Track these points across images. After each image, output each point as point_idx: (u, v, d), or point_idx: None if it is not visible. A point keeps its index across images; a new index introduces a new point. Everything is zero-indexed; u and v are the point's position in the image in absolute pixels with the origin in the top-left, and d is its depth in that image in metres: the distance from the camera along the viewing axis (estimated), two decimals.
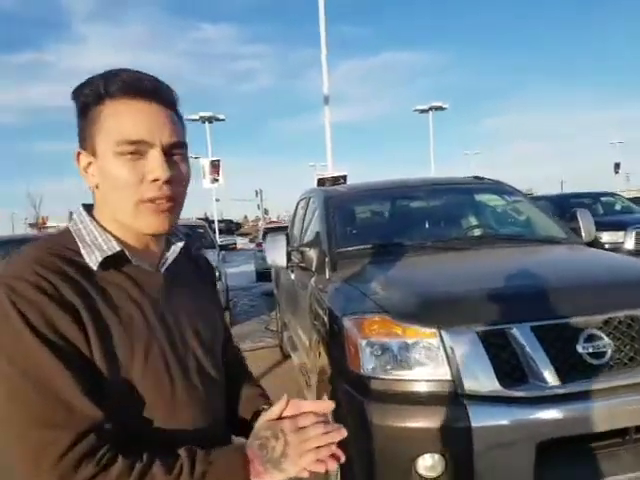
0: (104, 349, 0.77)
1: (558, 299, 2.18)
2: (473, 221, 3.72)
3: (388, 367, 2.10)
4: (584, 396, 1.98)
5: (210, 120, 24.08)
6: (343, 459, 0.87)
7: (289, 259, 3.28)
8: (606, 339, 2.07)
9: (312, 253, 3.23)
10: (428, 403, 2.02)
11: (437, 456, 1.98)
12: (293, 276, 4.02)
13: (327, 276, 2.89)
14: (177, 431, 0.84)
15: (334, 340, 2.48)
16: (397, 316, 2.14)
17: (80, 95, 0.84)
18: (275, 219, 44.66)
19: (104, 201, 0.85)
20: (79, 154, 0.85)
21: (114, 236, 0.85)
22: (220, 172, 21.19)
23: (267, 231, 13.57)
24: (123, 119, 0.80)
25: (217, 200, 26.06)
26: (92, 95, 0.82)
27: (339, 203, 3.47)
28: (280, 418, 0.88)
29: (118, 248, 0.83)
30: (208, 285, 1.06)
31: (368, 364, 2.12)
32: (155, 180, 0.81)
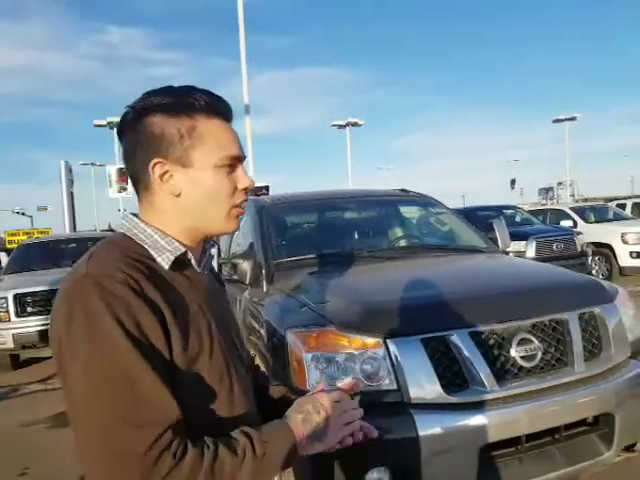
0: (182, 344, 0.83)
1: (491, 305, 2.28)
2: (404, 231, 3.83)
3: (334, 380, 2.07)
4: (519, 398, 2.08)
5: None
6: (376, 434, 1.04)
7: (220, 272, 3.16)
8: (536, 342, 2.19)
9: (246, 265, 3.12)
10: (375, 415, 2.00)
11: (383, 469, 1.97)
12: None
13: (264, 289, 2.82)
14: (235, 418, 0.90)
15: (274, 355, 2.41)
16: (342, 327, 2.12)
17: (151, 107, 0.88)
18: None
19: (185, 208, 0.91)
20: (157, 163, 0.88)
21: (177, 240, 0.91)
22: (128, 181, 20.15)
23: None
24: (224, 137, 0.91)
25: (124, 210, 24.82)
26: (181, 106, 0.88)
27: (273, 213, 3.41)
28: None
29: (183, 249, 0.90)
30: (222, 287, 1.15)
31: (314, 378, 2.08)
32: (245, 188, 0.93)
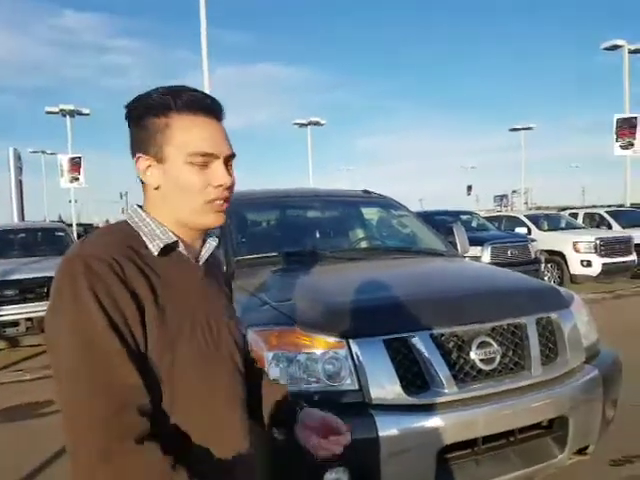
0: (158, 324, 0.87)
1: (452, 308, 2.29)
2: (366, 232, 3.83)
3: (295, 380, 2.02)
4: (477, 401, 2.09)
5: (72, 114, 22.06)
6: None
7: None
8: (495, 346, 2.21)
9: None
10: (336, 414, 1.98)
11: (342, 469, 1.94)
12: None
13: None
14: (213, 407, 0.94)
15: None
16: (304, 326, 2.08)
17: (140, 106, 0.95)
18: None
19: (164, 201, 0.96)
20: (139, 158, 0.95)
21: (170, 230, 0.96)
22: (81, 170, 19.57)
23: None
24: (193, 134, 0.93)
25: (75, 201, 23.97)
26: (159, 107, 0.93)
27: (234, 210, 3.31)
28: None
29: (174, 238, 0.95)
30: (226, 285, 1.16)
31: (273, 377, 2.03)
32: (219, 186, 0.95)
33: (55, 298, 0.85)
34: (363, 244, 3.62)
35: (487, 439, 2.14)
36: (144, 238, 0.94)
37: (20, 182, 16.99)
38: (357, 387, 2.00)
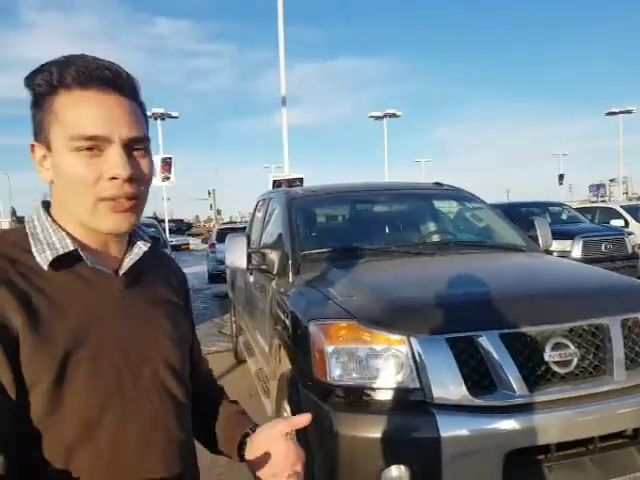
0: (38, 352, 0.71)
1: (525, 307, 2.17)
2: (436, 227, 3.72)
3: (355, 375, 2.02)
4: (551, 405, 1.97)
5: (162, 117, 23.58)
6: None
7: (249, 261, 3.15)
8: (572, 347, 2.07)
9: (274, 255, 3.11)
10: (396, 412, 1.95)
11: (403, 467, 1.91)
12: (252, 279, 3.89)
13: (290, 279, 2.79)
14: (121, 444, 0.77)
15: (297, 346, 2.38)
16: (365, 322, 2.06)
17: (33, 83, 0.77)
18: (228, 220, 44.18)
19: (59, 198, 0.80)
20: (33, 146, 0.79)
21: (70, 235, 0.79)
22: (172, 170, 20.73)
23: (221, 232, 13.30)
24: (78, 112, 0.74)
25: (167, 199, 25.45)
26: (45, 84, 0.76)
27: (302, 205, 3.37)
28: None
29: (72, 247, 0.77)
30: (178, 294, 0.96)
31: (334, 371, 2.04)
32: (113, 178, 0.75)
33: None
34: (432, 238, 3.52)
35: (562, 446, 2.01)
36: (33, 248, 0.77)
37: None
38: (418, 385, 1.95)
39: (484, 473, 1.91)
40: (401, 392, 1.98)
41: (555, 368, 2.03)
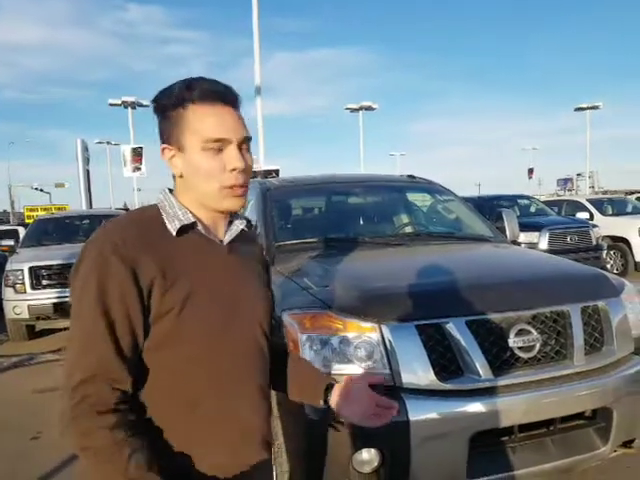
0: (165, 293, 0.94)
1: (491, 295, 2.25)
2: (408, 218, 3.79)
3: (328, 362, 2.07)
4: (514, 388, 2.06)
5: (133, 106, 22.95)
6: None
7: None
8: (535, 333, 2.16)
9: None
10: None
11: (374, 451, 1.97)
12: None
13: None
14: (220, 379, 1.00)
15: (272, 336, 2.41)
16: (338, 310, 2.11)
17: (162, 100, 1.02)
18: None
19: (187, 187, 1.03)
20: (164, 148, 1.03)
21: (191, 212, 1.03)
22: (143, 160, 20.35)
23: None
24: (206, 121, 0.99)
25: (139, 190, 25.03)
26: (176, 101, 1.00)
27: (277, 196, 3.39)
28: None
29: (192, 220, 1.02)
30: (262, 268, 1.21)
31: (307, 359, 2.08)
32: (233, 170, 1.00)
33: (73, 273, 0.96)
34: (405, 230, 3.59)
35: (525, 427, 2.10)
36: (165, 219, 1.01)
37: (87, 172, 17.86)
38: (388, 371, 2.01)
39: (451, 455, 1.99)
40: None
41: (519, 353, 2.12)
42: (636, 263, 9.35)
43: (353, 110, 29.50)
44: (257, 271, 1.17)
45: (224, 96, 1.02)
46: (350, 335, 2.07)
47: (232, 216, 1.11)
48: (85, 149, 17.87)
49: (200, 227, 1.03)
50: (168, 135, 1.03)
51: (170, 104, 1.01)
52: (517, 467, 2.05)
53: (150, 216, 1.03)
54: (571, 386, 2.11)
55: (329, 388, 1.22)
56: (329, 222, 3.64)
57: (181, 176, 1.03)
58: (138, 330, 0.94)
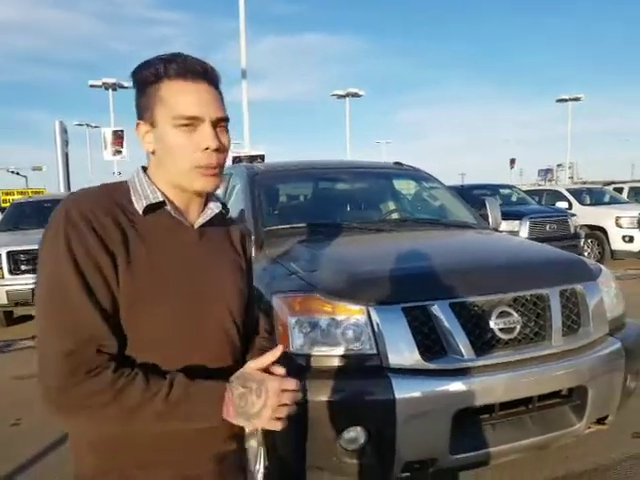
0: (127, 275, 0.92)
1: (473, 278, 2.32)
2: (395, 204, 3.85)
3: (316, 344, 2.12)
4: (495, 368, 2.14)
5: (114, 87, 22.56)
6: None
7: None
8: (515, 316, 2.24)
9: None
10: (355, 378, 2.08)
11: (360, 429, 2.04)
12: None
13: (253, 255, 2.85)
14: (187, 365, 0.95)
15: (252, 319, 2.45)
16: (326, 294, 2.17)
17: (139, 74, 0.99)
18: None
19: (159, 164, 1.00)
20: (138, 124, 1.01)
21: (160, 191, 1.00)
22: (124, 144, 19.98)
23: None
24: (179, 98, 0.96)
25: (119, 173, 24.65)
26: (152, 75, 0.97)
27: (265, 181, 3.41)
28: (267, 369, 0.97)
29: (160, 199, 0.98)
30: (239, 253, 1.15)
31: (297, 341, 2.13)
32: (206, 149, 0.96)
33: (40, 242, 0.94)
34: (391, 216, 3.66)
35: (505, 406, 2.19)
36: (133, 197, 0.98)
37: (66, 154, 17.49)
38: (375, 352, 2.08)
39: (435, 432, 2.06)
40: (359, 359, 2.10)
41: (500, 334, 2.20)
42: (612, 251, 9.58)
43: (340, 96, 29.42)
44: (231, 256, 1.11)
45: (202, 74, 0.98)
46: (339, 317, 2.12)
47: (208, 199, 1.07)
48: (64, 131, 17.47)
49: (169, 208, 0.99)
50: (143, 110, 0.99)
51: (147, 78, 0.97)
52: (497, 443, 2.14)
53: (120, 193, 1.00)
54: (549, 366, 2.21)
55: None
56: (317, 208, 3.68)
57: (153, 152, 1.00)
58: (113, 285, 0.91)
